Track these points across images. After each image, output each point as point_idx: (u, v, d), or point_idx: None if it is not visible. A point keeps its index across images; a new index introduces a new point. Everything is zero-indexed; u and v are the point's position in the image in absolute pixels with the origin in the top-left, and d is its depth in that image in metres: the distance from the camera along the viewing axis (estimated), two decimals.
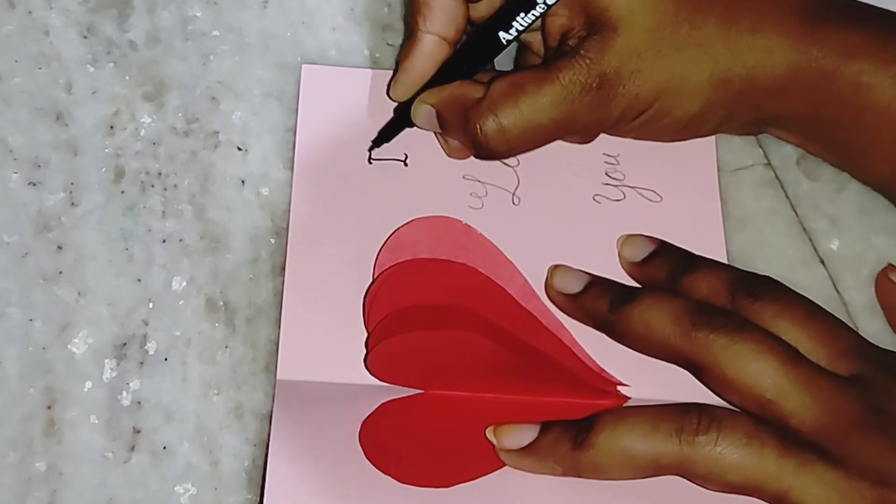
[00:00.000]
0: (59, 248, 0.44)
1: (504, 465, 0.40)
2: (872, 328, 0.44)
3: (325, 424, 0.41)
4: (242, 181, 0.46)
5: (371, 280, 0.43)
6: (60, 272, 0.44)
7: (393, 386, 0.42)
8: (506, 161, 0.46)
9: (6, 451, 0.40)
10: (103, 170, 0.46)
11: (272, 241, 0.45)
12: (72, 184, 0.45)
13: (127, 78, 0.48)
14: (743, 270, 0.43)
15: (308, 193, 0.45)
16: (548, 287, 0.44)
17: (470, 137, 0.43)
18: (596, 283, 0.43)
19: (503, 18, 0.43)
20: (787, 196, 0.47)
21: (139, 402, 0.42)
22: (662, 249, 0.44)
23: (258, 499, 0.40)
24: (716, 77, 0.43)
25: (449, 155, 0.46)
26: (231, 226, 0.45)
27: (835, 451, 0.37)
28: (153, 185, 0.46)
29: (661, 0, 0.42)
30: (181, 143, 0.47)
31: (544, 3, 0.42)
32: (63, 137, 0.46)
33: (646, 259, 0.44)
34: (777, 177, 0.48)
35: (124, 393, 0.42)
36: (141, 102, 0.47)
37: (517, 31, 0.43)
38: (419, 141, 0.47)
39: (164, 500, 0.40)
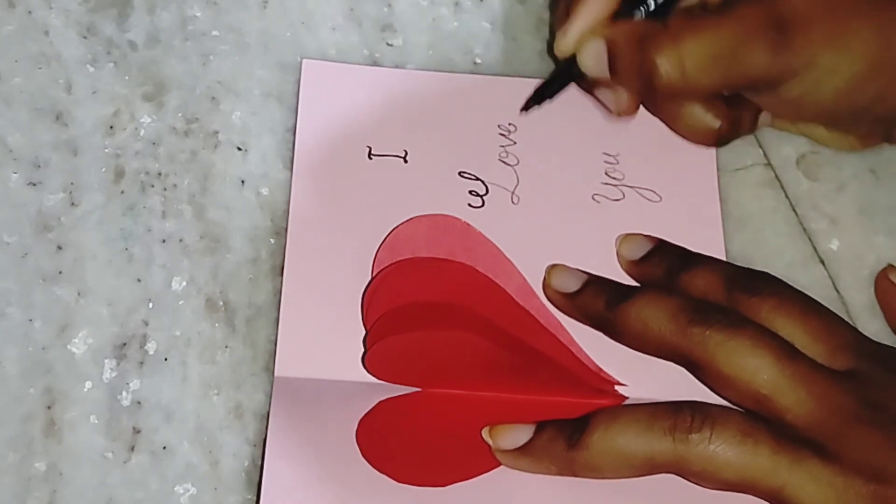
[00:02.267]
0: (59, 248, 0.44)
1: (500, 464, 0.40)
2: (872, 328, 0.44)
3: (322, 422, 0.41)
4: (242, 181, 0.46)
5: (370, 278, 0.43)
6: (60, 272, 0.44)
7: (390, 384, 0.42)
8: (505, 160, 0.46)
9: (6, 451, 0.40)
10: (103, 170, 0.46)
11: (272, 241, 0.45)
12: (72, 184, 0.45)
13: (127, 78, 0.48)
14: (740, 266, 0.43)
15: (308, 189, 0.45)
16: (545, 286, 0.44)
17: (646, 73, 0.41)
18: (593, 282, 0.43)
19: None
20: (786, 196, 0.47)
21: (139, 402, 0.42)
22: (660, 248, 0.44)
23: (256, 498, 0.40)
24: (883, 41, 0.42)
25: (616, 113, 0.44)
26: (231, 226, 0.45)
27: (830, 446, 0.37)
28: (153, 185, 0.46)
29: None
30: (181, 143, 0.47)
31: None
32: (63, 137, 0.46)
33: (644, 257, 0.44)
34: (777, 177, 0.48)
35: (124, 393, 0.42)
36: (141, 102, 0.47)
37: None
38: (419, 138, 0.47)
39: (163, 500, 0.40)
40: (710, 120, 0.45)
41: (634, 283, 0.44)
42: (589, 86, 0.46)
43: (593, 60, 0.43)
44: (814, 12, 0.42)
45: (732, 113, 0.46)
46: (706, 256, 0.44)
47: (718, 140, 0.46)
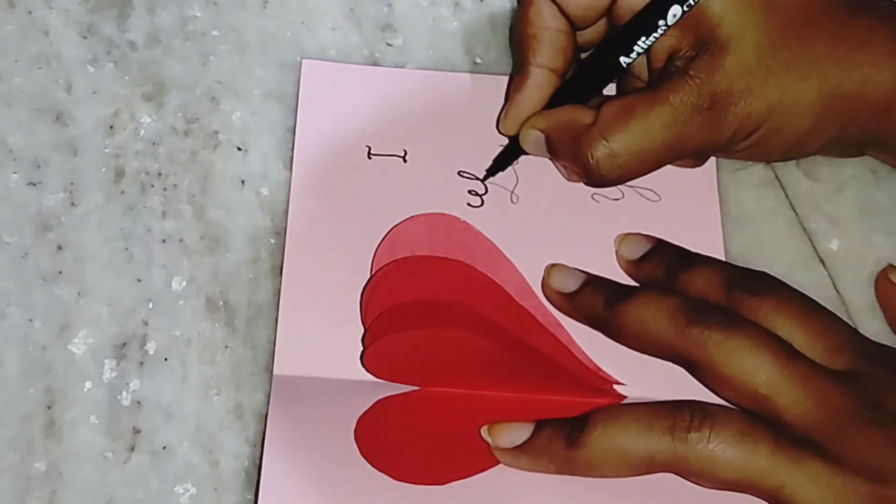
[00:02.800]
0: (59, 248, 0.44)
1: (499, 462, 0.40)
2: (872, 328, 0.44)
3: (320, 420, 0.41)
4: (242, 181, 0.46)
5: (368, 276, 0.43)
6: (60, 272, 0.44)
7: (389, 383, 0.42)
8: None
9: (6, 451, 0.40)
10: (103, 170, 0.46)
11: (272, 241, 0.45)
12: (72, 184, 0.45)
13: (127, 78, 0.48)
14: (739, 266, 0.43)
15: (307, 188, 0.45)
16: (544, 286, 0.44)
17: (581, 164, 0.43)
18: (592, 282, 0.43)
19: (623, 42, 0.43)
20: (786, 196, 0.47)
21: (139, 402, 0.42)
22: (659, 248, 0.44)
23: (255, 495, 0.40)
24: (825, 93, 0.42)
25: (568, 179, 0.46)
26: (231, 226, 0.45)
27: (829, 446, 0.37)
28: (153, 185, 0.46)
29: (771, 17, 0.42)
30: (181, 143, 0.47)
31: (665, 24, 0.42)
32: (63, 137, 0.46)
33: (642, 257, 0.44)
34: (777, 177, 0.48)
35: (124, 393, 0.42)
36: (141, 102, 0.47)
37: (637, 53, 0.43)
38: (419, 137, 0.47)
39: (163, 500, 0.40)
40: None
41: (634, 283, 0.44)
42: None
43: (533, 147, 0.45)
44: (751, 82, 0.42)
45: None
46: (705, 256, 0.44)
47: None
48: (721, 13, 0.42)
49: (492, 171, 0.46)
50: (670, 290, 0.42)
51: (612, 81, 0.45)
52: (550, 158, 0.45)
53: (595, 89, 0.44)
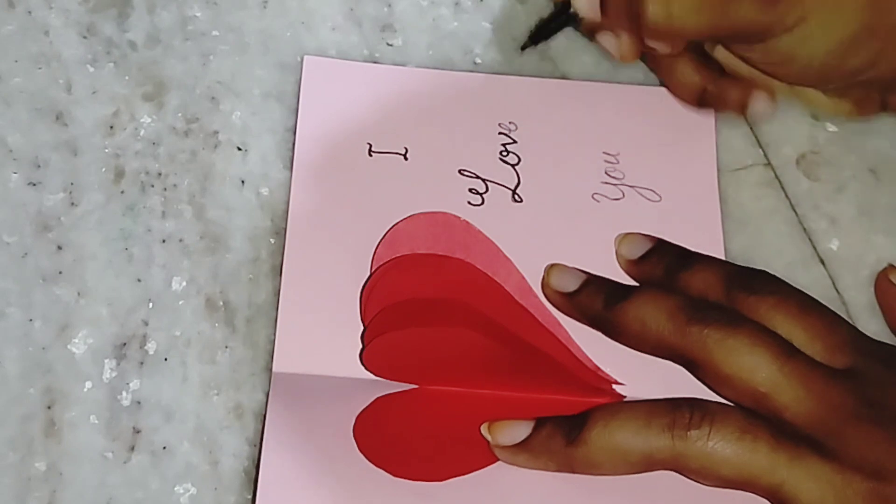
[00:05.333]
0: (59, 248, 0.44)
1: (497, 459, 0.40)
2: (872, 328, 0.44)
3: (319, 418, 0.41)
4: (242, 181, 0.46)
5: (368, 274, 0.43)
6: (60, 272, 0.44)
7: (388, 381, 0.42)
8: (505, 159, 0.46)
9: (6, 451, 0.40)
10: (103, 170, 0.46)
11: (272, 241, 0.45)
12: (72, 184, 0.45)
13: (127, 78, 0.48)
14: (738, 265, 0.43)
15: (308, 185, 0.45)
16: (544, 286, 0.44)
17: (634, 15, 0.42)
18: (591, 282, 0.43)
19: None
20: (786, 196, 0.47)
21: (139, 402, 0.42)
22: (659, 247, 0.44)
23: (253, 492, 0.40)
24: (876, 5, 0.42)
25: (618, 57, 0.45)
26: (231, 226, 0.45)
27: (829, 444, 0.37)
28: (153, 185, 0.46)
29: None
30: (181, 143, 0.47)
31: None
32: (63, 137, 0.46)
33: (642, 257, 0.44)
34: (777, 177, 0.48)
35: (124, 393, 0.42)
36: (141, 102, 0.47)
37: None
38: (420, 135, 0.47)
39: (163, 500, 0.40)
40: (695, 78, 0.46)
41: (634, 283, 0.44)
42: (589, 31, 0.46)
43: (585, 2, 0.44)
44: None
45: (720, 82, 0.46)
46: (705, 255, 0.44)
47: (700, 100, 0.47)
48: None
49: (533, 40, 0.45)
50: (670, 290, 0.42)
51: None
52: (599, 30, 0.44)
53: None
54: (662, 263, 0.43)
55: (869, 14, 0.42)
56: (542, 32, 0.45)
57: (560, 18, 0.45)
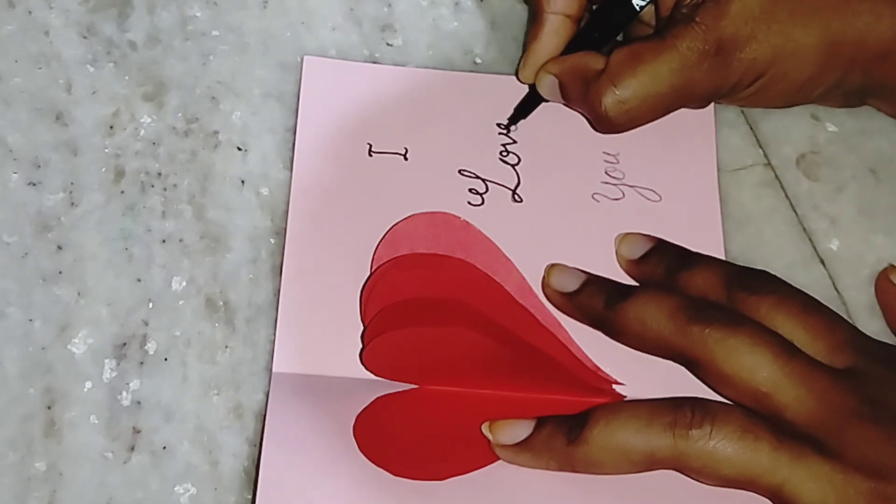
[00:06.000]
0: (59, 248, 0.44)
1: (498, 458, 0.40)
2: (872, 328, 0.44)
3: (319, 417, 0.41)
4: (242, 181, 0.46)
5: (368, 274, 0.43)
6: (60, 272, 0.44)
7: (388, 381, 0.42)
8: (505, 159, 0.46)
9: (6, 451, 0.40)
10: (103, 170, 0.46)
11: (272, 241, 0.45)
12: (72, 184, 0.45)
13: (127, 78, 0.48)
14: (739, 265, 0.43)
15: (308, 185, 0.45)
16: (544, 286, 0.44)
17: (591, 110, 0.44)
18: (592, 282, 0.43)
19: None
20: (786, 196, 0.47)
21: (139, 402, 0.42)
22: (659, 247, 0.44)
23: (253, 491, 0.40)
24: (827, 40, 0.43)
25: (595, 129, 0.46)
26: (231, 226, 0.45)
27: (830, 443, 0.37)
28: (153, 185, 0.46)
29: None
30: (181, 143, 0.47)
31: None
32: (63, 137, 0.46)
33: (643, 257, 0.44)
34: (777, 177, 0.48)
35: (124, 393, 0.42)
36: (141, 102, 0.47)
37: None
38: (420, 136, 0.47)
39: (163, 500, 0.40)
40: None
41: (634, 283, 0.44)
42: None
43: (548, 91, 0.46)
44: (755, 28, 0.43)
45: None
46: (705, 255, 0.44)
47: None
48: None
49: (513, 120, 0.47)
50: (671, 290, 0.42)
51: (625, 27, 0.46)
52: (565, 104, 0.46)
53: (610, 35, 0.46)
54: (663, 263, 0.43)
55: (825, 50, 0.43)
56: (521, 112, 0.47)
57: (534, 99, 0.47)
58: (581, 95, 0.44)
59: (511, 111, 0.47)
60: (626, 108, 0.43)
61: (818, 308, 0.41)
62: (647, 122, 0.45)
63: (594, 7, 0.47)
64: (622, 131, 0.45)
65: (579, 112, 0.46)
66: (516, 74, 0.47)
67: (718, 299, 0.41)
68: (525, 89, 0.47)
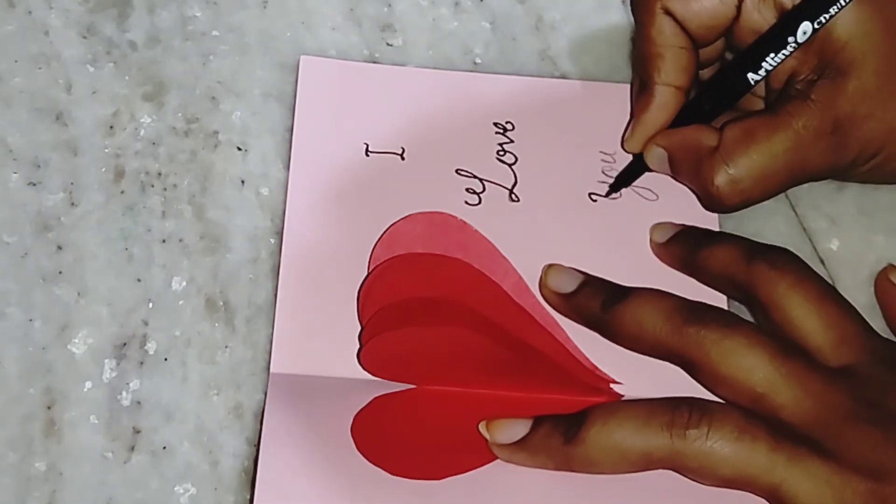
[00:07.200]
0: (59, 248, 0.44)
1: (495, 458, 0.40)
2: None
3: (317, 417, 0.41)
4: (242, 181, 0.46)
5: (366, 274, 0.43)
6: (60, 272, 0.44)
7: (385, 381, 0.42)
8: (502, 158, 0.47)
9: (6, 451, 0.41)
10: (103, 170, 0.46)
11: (272, 241, 0.45)
12: (72, 184, 0.45)
13: (127, 78, 0.48)
14: (761, 242, 0.43)
15: (304, 185, 0.45)
16: (542, 286, 0.44)
17: (702, 188, 0.43)
18: (589, 283, 0.43)
19: (751, 59, 0.43)
20: (787, 196, 0.47)
21: (139, 402, 0.42)
22: (684, 230, 0.45)
23: (251, 491, 0.40)
24: None
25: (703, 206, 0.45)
26: (231, 226, 0.45)
27: (827, 444, 0.37)
28: (153, 185, 0.46)
29: (890, 42, 0.42)
30: (181, 143, 0.47)
31: (795, 41, 0.42)
32: (63, 137, 0.46)
33: (668, 240, 0.44)
34: None
35: (124, 393, 0.42)
36: (141, 102, 0.47)
37: (766, 70, 0.43)
38: (417, 135, 0.47)
39: (163, 500, 0.40)
40: None
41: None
42: None
43: (657, 164, 0.45)
44: (872, 106, 0.42)
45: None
46: (727, 233, 0.44)
47: None
48: (846, 37, 0.42)
49: (615, 188, 0.46)
50: (693, 266, 0.42)
51: (738, 100, 0.44)
52: (672, 177, 0.45)
53: (721, 108, 0.44)
54: (687, 245, 0.44)
55: None
56: (623, 180, 0.46)
57: (638, 168, 0.46)
58: (692, 171, 0.43)
59: (508, 111, 0.47)
60: (739, 188, 0.42)
61: (834, 297, 0.41)
62: (759, 202, 0.43)
63: (702, 80, 0.46)
64: (732, 211, 0.44)
65: (686, 186, 0.45)
66: (622, 144, 0.46)
67: (740, 271, 0.41)
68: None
